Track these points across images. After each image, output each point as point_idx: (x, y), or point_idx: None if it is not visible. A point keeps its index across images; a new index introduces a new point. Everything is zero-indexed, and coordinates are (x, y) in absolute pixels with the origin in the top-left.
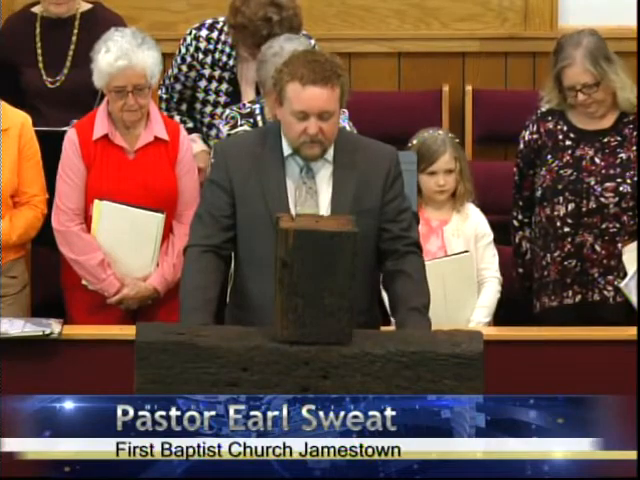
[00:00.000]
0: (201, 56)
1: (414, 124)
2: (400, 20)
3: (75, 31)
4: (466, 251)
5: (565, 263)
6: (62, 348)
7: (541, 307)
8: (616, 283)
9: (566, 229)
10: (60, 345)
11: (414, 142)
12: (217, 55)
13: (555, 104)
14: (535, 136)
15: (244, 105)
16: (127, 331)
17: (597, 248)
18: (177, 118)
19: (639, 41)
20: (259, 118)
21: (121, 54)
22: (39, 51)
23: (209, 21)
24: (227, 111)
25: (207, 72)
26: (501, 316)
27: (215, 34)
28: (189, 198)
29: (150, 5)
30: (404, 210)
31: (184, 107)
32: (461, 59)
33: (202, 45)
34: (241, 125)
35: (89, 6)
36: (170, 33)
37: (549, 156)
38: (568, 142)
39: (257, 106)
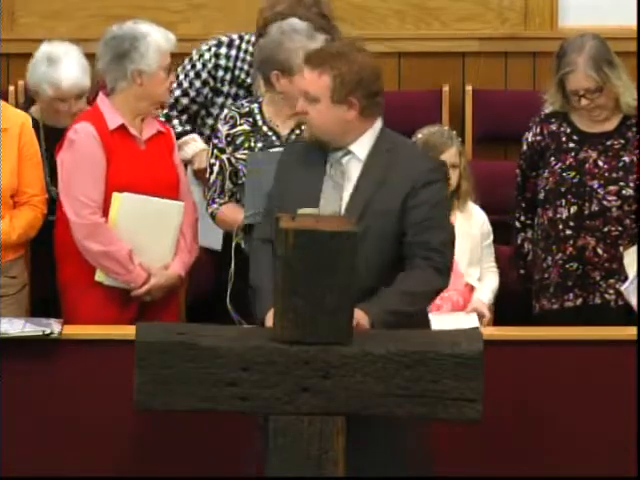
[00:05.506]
0: (221, 73)
1: (414, 124)
2: (400, 20)
3: None
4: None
5: (567, 266)
6: (62, 348)
7: (540, 309)
8: (617, 286)
9: (568, 232)
10: (60, 345)
11: (419, 136)
12: (237, 72)
13: (558, 107)
14: (538, 138)
15: (243, 104)
16: (127, 331)
17: (599, 251)
18: (176, 122)
19: (639, 41)
20: (258, 117)
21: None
22: None
23: (225, 39)
24: (226, 110)
25: (225, 89)
26: (500, 316)
27: (234, 52)
28: (185, 188)
29: (150, 5)
30: (427, 219)
31: (184, 117)
32: (461, 59)
33: (222, 62)
34: (240, 125)
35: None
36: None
37: (552, 158)
38: (571, 144)
39: (255, 105)
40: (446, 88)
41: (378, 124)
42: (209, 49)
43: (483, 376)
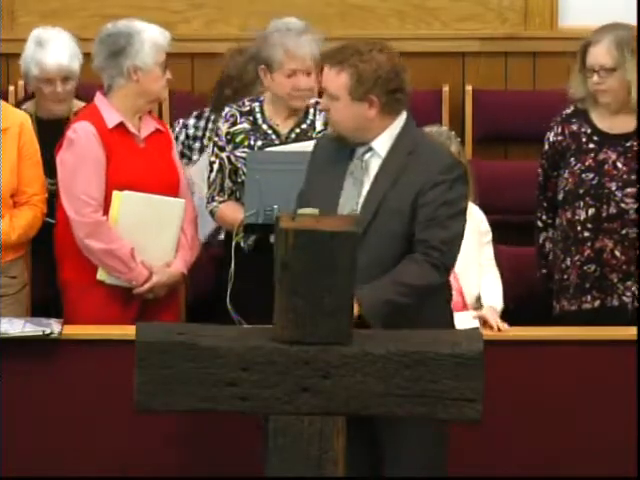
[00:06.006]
0: (190, 142)
1: None
2: (400, 20)
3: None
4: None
5: (585, 268)
6: (62, 348)
7: (560, 310)
8: (634, 289)
9: (586, 234)
10: (60, 345)
11: None
12: (205, 141)
13: (579, 94)
14: (559, 137)
15: (244, 103)
16: (127, 331)
17: (617, 253)
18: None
19: (639, 41)
20: (258, 116)
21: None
22: None
23: (195, 112)
24: (227, 109)
25: (195, 157)
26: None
27: (202, 123)
28: (185, 184)
29: (150, 5)
30: (431, 218)
31: None
32: (461, 59)
33: (191, 132)
34: (241, 123)
35: (82, 104)
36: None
37: (572, 159)
38: (591, 145)
39: (257, 104)
40: (446, 88)
41: (400, 120)
42: (178, 122)
43: (483, 376)
